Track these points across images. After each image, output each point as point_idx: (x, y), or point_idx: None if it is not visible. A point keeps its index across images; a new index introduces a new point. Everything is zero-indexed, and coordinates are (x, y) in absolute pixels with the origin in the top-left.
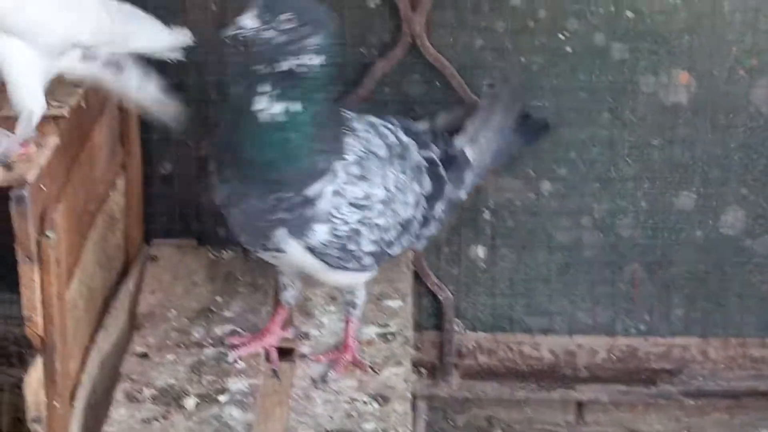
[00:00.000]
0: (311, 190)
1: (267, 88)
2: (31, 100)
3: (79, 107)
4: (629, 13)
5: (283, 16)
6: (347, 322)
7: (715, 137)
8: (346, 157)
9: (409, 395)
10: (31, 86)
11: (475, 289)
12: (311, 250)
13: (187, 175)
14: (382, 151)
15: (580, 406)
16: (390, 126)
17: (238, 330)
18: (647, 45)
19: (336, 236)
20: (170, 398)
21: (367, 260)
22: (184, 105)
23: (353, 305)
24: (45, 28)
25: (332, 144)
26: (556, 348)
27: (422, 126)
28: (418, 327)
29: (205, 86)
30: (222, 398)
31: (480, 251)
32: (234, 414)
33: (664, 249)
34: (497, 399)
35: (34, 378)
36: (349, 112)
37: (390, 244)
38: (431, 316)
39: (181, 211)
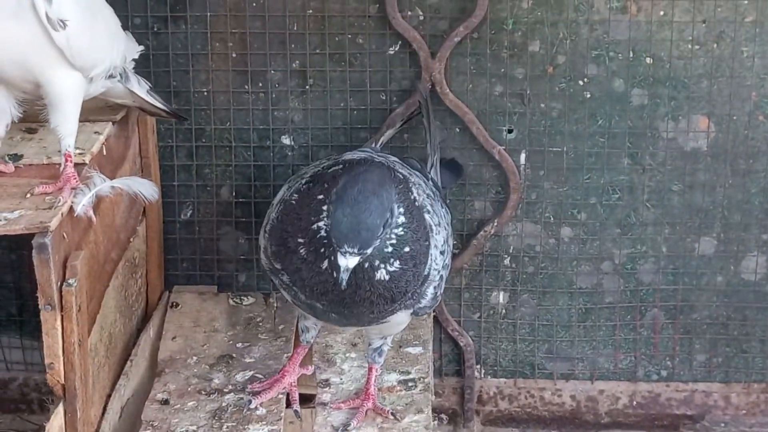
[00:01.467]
0: (425, 270)
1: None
2: (74, 135)
3: (101, 154)
4: (648, 59)
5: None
6: (370, 369)
7: (736, 182)
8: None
9: None
10: (77, 119)
11: (496, 335)
12: (416, 312)
13: (208, 222)
14: (427, 189)
15: None
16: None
17: (259, 376)
18: (666, 90)
19: (435, 290)
20: None
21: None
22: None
23: (380, 353)
24: (103, 58)
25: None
26: (578, 394)
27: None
28: (439, 373)
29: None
30: None
31: (501, 297)
32: None
33: (684, 294)
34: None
35: (55, 426)
36: (387, 156)
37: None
38: (452, 362)
39: (202, 258)
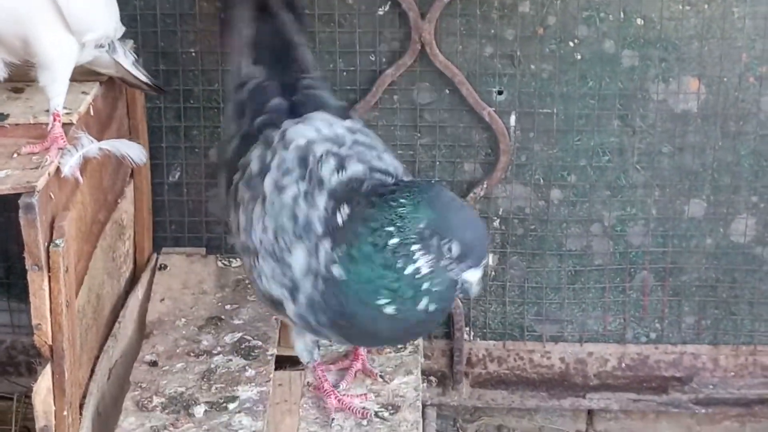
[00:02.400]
0: None
1: None
2: (63, 96)
3: (88, 114)
4: (639, 20)
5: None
6: None
7: (726, 144)
8: None
9: (419, 404)
10: (67, 80)
11: (485, 297)
12: None
13: (196, 184)
14: None
15: (590, 414)
16: None
17: (248, 338)
18: (657, 52)
19: None
20: (179, 406)
21: None
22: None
23: None
24: (98, 25)
25: None
26: (567, 356)
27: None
28: (428, 336)
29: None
30: (231, 406)
31: (490, 259)
32: (243, 422)
33: (674, 256)
34: (507, 407)
35: (42, 387)
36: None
37: None
38: (441, 324)
39: (190, 220)
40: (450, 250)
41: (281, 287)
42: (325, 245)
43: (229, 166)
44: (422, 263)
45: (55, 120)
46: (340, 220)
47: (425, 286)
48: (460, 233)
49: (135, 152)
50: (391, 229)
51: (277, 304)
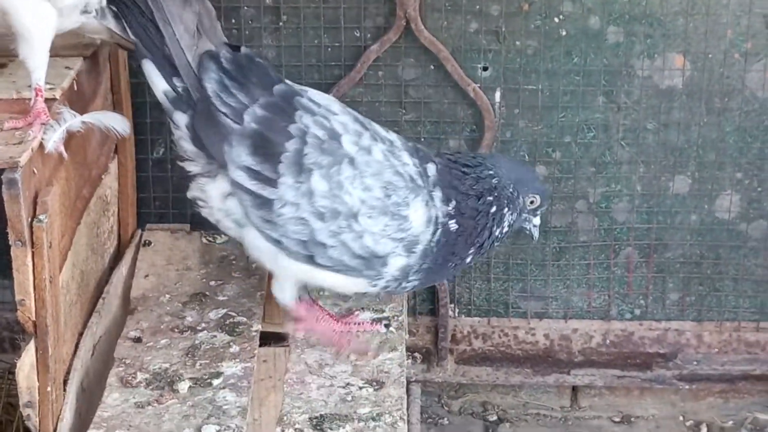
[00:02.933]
0: None
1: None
2: (43, 68)
3: (71, 90)
4: None
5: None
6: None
7: (710, 121)
8: None
9: (403, 380)
10: (47, 51)
11: (470, 274)
12: None
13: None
14: None
15: (574, 390)
16: None
17: (232, 314)
18: (642, 28)
19: None
20: (164, 382)
21: None
22: None
23: None
24: None
25: None
26: (551, 332)
27: None
28: (413, 312)
29: None
30: (216, 382)
31: None
32: (228, 398)
33: (659, 233)
34: (492, 384)
35: (26, 363)
36: None
37: None
38: (426, 301)
39: (174, 196)
40: (532, 203)
41: (394, 241)
42: (436, 197)
43: (255, 136)
44: (507, 222)
45: (37, 95)
46: (432, 177)
47: (499, 240)
48: (536, 186)
49: (119, 123)
50: (491, 198)
51: (372, 262)
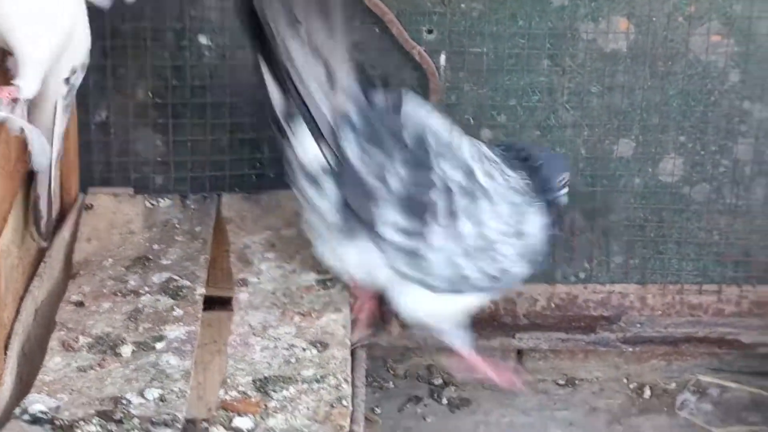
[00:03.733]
0: None
1: None
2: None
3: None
4: None
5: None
6: None
7: (654, 84)
8: None
9: (348, 341)
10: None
11: None
12: None
13: (124, 123)
14: None
15: (519, 353)
16: None
17: (175, 278)
18: None
19: None
20: (106, 346)
21: None
22: None
23: None
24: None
25: None
26: None
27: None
28: None
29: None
30: (159, 346)
31: None
32: (171, 361)
33: (603, 196)
34: (437, 347)
35: None
36: None
37: None
38: None
39: (117, 160)
40: (563, 181)
41: (523, 259)
42: (541, 202)
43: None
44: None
45: None
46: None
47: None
48: (565, 167)
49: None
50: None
51: (502, 280)
